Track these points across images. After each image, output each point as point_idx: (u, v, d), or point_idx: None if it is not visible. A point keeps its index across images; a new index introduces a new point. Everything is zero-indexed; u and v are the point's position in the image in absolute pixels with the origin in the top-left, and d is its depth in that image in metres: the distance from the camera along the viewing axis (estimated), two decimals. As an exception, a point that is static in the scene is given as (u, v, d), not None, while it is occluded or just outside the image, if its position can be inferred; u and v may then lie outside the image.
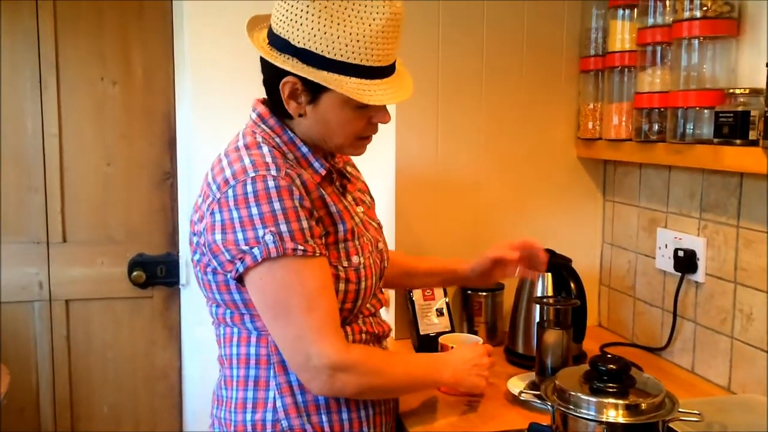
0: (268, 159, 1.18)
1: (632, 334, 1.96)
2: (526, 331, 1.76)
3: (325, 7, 1.13)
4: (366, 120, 1.24)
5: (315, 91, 1.19)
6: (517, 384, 1.55)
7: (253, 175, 1.15)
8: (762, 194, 1.48)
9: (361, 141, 1.28)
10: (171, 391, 2.09)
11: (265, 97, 1.31)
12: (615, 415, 1.17)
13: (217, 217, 1.17)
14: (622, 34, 1.80)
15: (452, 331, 1.85)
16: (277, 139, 1.26)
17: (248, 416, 1.24)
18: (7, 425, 1.98)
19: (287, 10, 1.17)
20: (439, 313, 1.87)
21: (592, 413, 1.18)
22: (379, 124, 1.28)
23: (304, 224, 1.16)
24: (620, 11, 1.80)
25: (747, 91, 1.41)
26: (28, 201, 1.96)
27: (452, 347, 1.54)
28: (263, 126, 1.27)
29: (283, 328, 1.17)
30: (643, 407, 1.18)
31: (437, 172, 1.95)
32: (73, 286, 2.01)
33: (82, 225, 2.01)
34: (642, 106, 1.69)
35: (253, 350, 1.25)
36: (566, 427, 1.21)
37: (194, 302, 1.98)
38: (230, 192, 1.15)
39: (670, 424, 1.20)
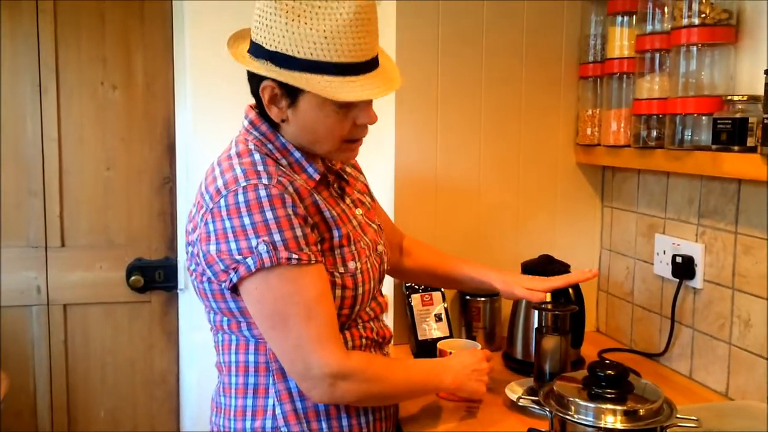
0: (260, 167, 1.18)
1: (630, 339, 1.96)
2: (524, 336, 1.76)
3: (293, 7, 1.13)
4: (350, 122, 1.22)
5: (292, 94, 1.18)
6: (515, 389, 1.55)
7: (245, 184, 1.15)
8: (760, 201, 1.49)
9: (349, 144, 1.26)
10: (169, 395, 2.09)
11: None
12: (613, 420, 1.18)
13: (211, 227, 1.16)
14: (621, 41, 1.81)
15: (451, 336, 1.85)
16: (270, 146, 1.25)
17: (248, 424, 1.24)
18: (5, 429, 1.98)
19: (259, 15, 1.18)
20: (438, 318, 1.87)
21: (591, 419, 1.19)
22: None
23: (298, 232, 1.16)
24: (619, 18, 1.81)
25: (745, 98, 1.42)
26: (27, 205, 1.96)
27: (451, 353, 1.54)
28: (255, 132, 1.26)
29: (281, 338, 1.17)
30: (642, 413, 1.18)
31: (436, 178, 1.95)
32: (72, 291, 2.01)
33: (80, 229, 2.01)
34: (641, 112, 1.69)
35: (251, 358, 1.25)
36: (564, 433, 1.21)
37: (193, 307, 1.98)
38: (222, 202, 1.15)
39: (668, 430, 1.20)
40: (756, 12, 1.48)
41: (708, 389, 1.64)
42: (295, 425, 1.22)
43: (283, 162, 1.25)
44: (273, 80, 1.17)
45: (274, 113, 1.22)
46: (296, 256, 1.14)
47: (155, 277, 2.04)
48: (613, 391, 1.21)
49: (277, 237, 1.13)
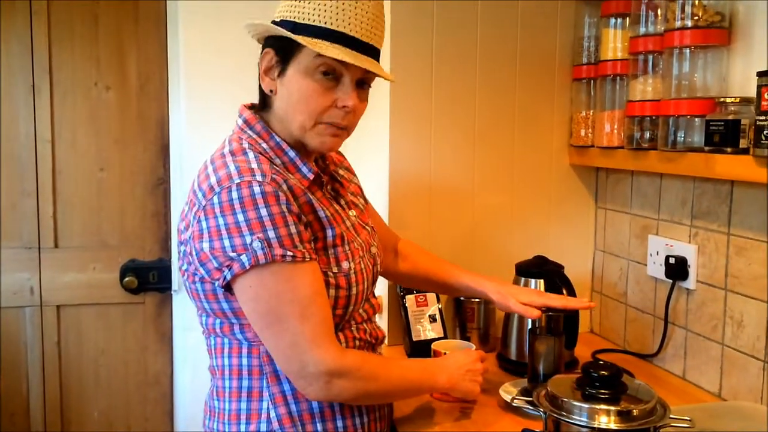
0: (254, 165, 1.18)
1: (624, 340, 1.97)
2: (518, 337, 1.77)
3: None
4: (330, 99, 1.22)
5: (285, 61, 1.22)
6: (509, 390, 1.55)
7: (239, 181, 1.14)
8: (753, 202, 1.49)
9: (327, 127, 1.24)
10: (163, 397, 2.08)
11: (252, 102, 1.32)
12: (607, 421, 1.18)
13: (204, 224, 1.16)
14: (615, 43, 1.81)
15: (445, 337, 1.85)
16: (264, 145, 1.25)
17: (242, 428, 1.23)
18: (-3, 431, 1.97)
19: None
20: (432, 319, 1.87)
21: (584, 419, 1.19)
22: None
23: (292, 229, 1.15)
24: (612, 20, 1.81)
25: (738, 100, 1.43)
26: (21, 206, 1.96)
27: (445, 353, 1.54)
28: (249, 132, 1.27)
29: (276, 337, 1.16)
30: (635, 413, 1.19)
31: (431, 180, 1.95)
32: (65, 292, 2.00)
33: (74, 230, 2.00)
34: (634, 114, 1.70)
35: (245, 361, 1.24)
36: (558, 434, 1.21)
37: (186, 308, 1.98)
38: (216, 199, 1.15)
39: (662, 431, 1.20)
40: (748, 14, 1.49)
41: (701, 390, 1.65)
42: (290, 428, 1.22)
43: (277, 161, 1.25)
44: (271, 47, 1.23)
45: (266, 83, 1.26)
46: (291, 253, 1.14)
47: (149, 279, 2.03)
48: (606, 391, 1.21)
49: (271, 234, 1.13)
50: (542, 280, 1.76)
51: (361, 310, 1.33)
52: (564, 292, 1.73)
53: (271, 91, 1.25)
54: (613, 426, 1.18)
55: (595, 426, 1.18)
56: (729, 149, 1.41)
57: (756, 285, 1.49)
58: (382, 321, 1.95)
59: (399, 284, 1.82)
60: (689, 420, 1.21)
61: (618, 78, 1.81)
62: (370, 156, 1.93)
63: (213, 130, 1.90)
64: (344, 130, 1.26)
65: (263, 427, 1.22)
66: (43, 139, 1.95)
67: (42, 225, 1.97)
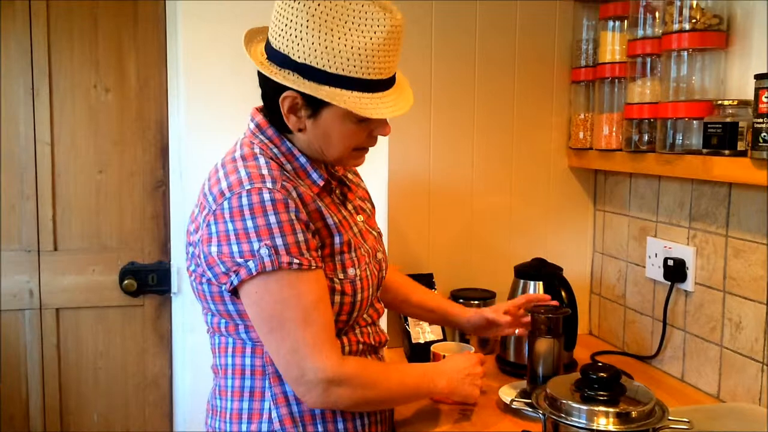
0: (264, 171, 1.18)
1: (623, 342, 1.97)
2: (517, 339, 1.77)
3: (325, 21, 1.12)
4: (366, 133, 1.23)
5: (316, 105, 1.18)
6: (508, 392, 1.55)
7: (249, 187, 1.15)
8: (750, 204, 1.50)
9: (359, 152, 1.28)
10: (162, 399, 2.08)
11: (263, 105, 1.32)
12: (605, 422, 1.18)
13: (213, 228, 1.16)
14: (613, 46, 1.82)
15: (444, 339, 1.85)
16: (275, 150, 1.25)
17: (244, 427, 1.24)
18: (-4, 434, 1.97)
19: (286, 25, 1.15)
20: (431, 321, 1.87)
21: (583, 421, 1.19)
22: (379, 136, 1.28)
23: (300, 237, 1.16)
24: (611, 23, 1.82)
25: (735, 103, 1.43)
26: (20, 209, 1.95)
27: (444, 356, 1.55)
28: (261, 136, 1.26)
29: (278, 342, 1.17)
30: (634, 415, 1.19)
31: (430, 182, 1.96)
32: (64, 295, 2.00)
33: (73, 233, 2.00)
34: (632, 116, 1.71)
35: (248, 361, 1.25)
36: (558, 435, 1.22)
37: (186, 310, 1.98)
38: (226, 204, 1.15)
39: (661, 432, 1.20)
40: (746, 17, 1.50)
41: (700, 391, 1.65)
42: (291, 429, 1.22)
43: (288, 167, 1.24)
44: (297, 91, 1.17)
45: (292, 122, 1.21)
46: (297, 261, 1.15)
47: (148, 281, 2.03)
48: (605, 393, 1.22)
49: (279, 241, 1.13)
50: (541, 282, 1.77)
51: (365, 315, 1.33)
52: (563, 293, 1.74)
53: (299, 129, 1.23)
54: (611, 428, 1.18)
55: (594, 428, 1.18)
56: (727, 151, 1.42)
57: (754, 287, 1.49)
58: (381, 324, 1.95)
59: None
60: (688, 421, 1.22)
61: (616, 81, 1.82)
62: (369, 158, 1.93)
63: (213, 132, 1.90)
64: None
65: (264, 427, 1.23)
66: (42, 141, 1.95)
67: (41, 228, 1.97)
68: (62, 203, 1.98)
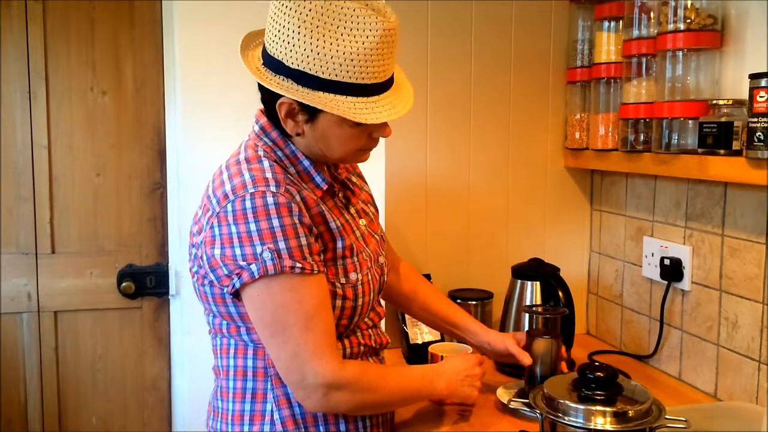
0: (268, 174, 1.18)
1: (620, 341, 1.98)
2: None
3: (317, 26, 1.11)
4: (366, 135, 1.23)
5: (312, 110, 1.18)
6: (506, 392, 1.56)
7: (253, 191, 1.15)
8: (746, 203, 1.50)
9: (362, 153, 1.28)
10: (160, 402, 2.08)
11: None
12: (603, 422, 1.19)
13: (216, 231, 1.16)
14: (608, 46, 1.82)
15: (442, 340, 1.85)
16: (280, 152, 1.25)
17: (246, 428, 1.24)
18: (-5, 437, 1.97)
19: (279, 30, 1.15)
20: (429, 322, 1.87)
21: (580, 421, 1.20)
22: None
23: (303, 241, 1.16)
24: (606, 23, 1.83)
25: (730, 102, 1.44)
26: (17, 212, 1.96)
27: (442, 356, 1.55)
28: (265, 139, 1.26)
29: (279, 346, 1.17)
30: (631, 414, 1.19)
31: (427, 183, 1.96)
32: (62, 298, 2.00)
33: (71, 236, 2.00)
34: (628, 116, 1.71)
35: (250, 362, 1.25)
36: (555, 435, 1.22)
37: (184, 313, 1.98)
38: (229, 207, 1.15)
39: (657, 431, 1.21)
40: (740, 17, 1.50)
41: (697, 390, 1.66)
42: (293, 430, 1.23)
43: (292, 170, 1.24)
44: (293, 98, 1.16)
45: (290, 127, 1.21)
46: (300, 265, 1.15)
47: (146, 283, 2.03)
48: (602, 392, 1.22)
49: (282, 245, 1.14)
50: (538, 282, 1.77)
51: (366, 318, 1.34)
52: (560, 293, 1.74)
53: (298, 134, 1.22)
54: (608, 427, 1.18)
55: (591, 427, 1.19)
56: (722, 151, 1.42)
57: (750, 286, 1.50)
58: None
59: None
60: (684, 420, 1.22)
61: (612, 81, 1.83)
62: (366, 161, 1.93)
63: (210, 134, 1.91)
64: None
65: (267, 428, 1.23)
66: (39, 144, 1.95)
67: (39, 230, 1.97)
68: (60, 206, 1.98)
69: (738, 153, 1.40)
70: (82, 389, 2.04)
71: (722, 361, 1.59)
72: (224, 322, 1.26)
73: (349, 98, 1.14)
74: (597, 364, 1.30)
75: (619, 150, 1.78)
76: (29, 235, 1.97)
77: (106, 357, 2.05)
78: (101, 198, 2.01)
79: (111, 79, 1.99)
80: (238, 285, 1.16)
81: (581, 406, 1.21)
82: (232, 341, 1.27)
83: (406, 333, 1.85)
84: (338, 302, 1.23)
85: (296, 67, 1.14)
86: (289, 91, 1.15)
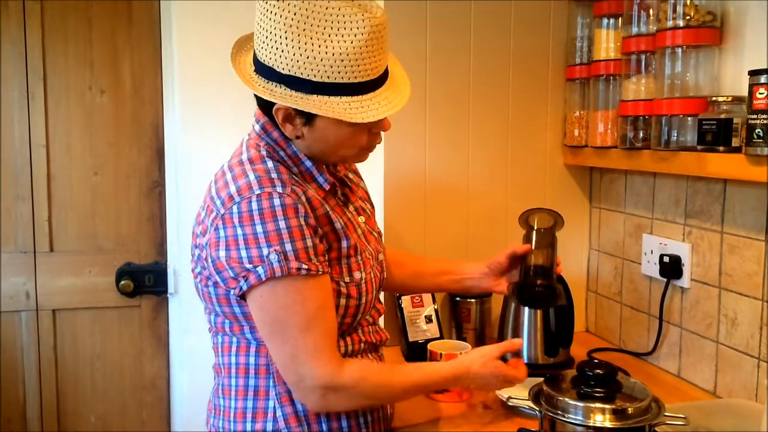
0: (274, 175, 1.17)
1: (619, 339, 1.98)
2: (514, 337, 1.77)
3: (303, 30, 1.10)
4: (366, 132, 1.22)
5: (309, 114, 1.17)
6: (506, 390, 1.55)
7: (259, 192, 1.14)
8: (745, 200, 1.50)
9: (365, 151, 1.27)
10: (159, 401, 2.08)
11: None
12: (602, 419, 1.19)
13: (221, 233, 1.16)
14: (607, 43, 1.82)
15: (441, 338, 1.85)
16: (282, 153, 1.24)
17: (248, 426, 1.24)
18: (-6, 437, 1.97)
19: (267, 36, 1.13)
20: (428, 320, 1.88)
21: (580, 418, 1.20)
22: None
23: (309, 242, 1.16)
24: (605, 20, 1.82)
25: (729, 99, 1.43)
26: (16, 210, 1.95)
27: (441, 354, 1.55)
28: (267, 139, 1.25)
29: (279, 346, 1.18)
30: (630, 411, 1.19)
31: (426, 180, 1.96)
32: (61, 296, 2.00)
33: (69, 234, 1.99)
34: (627, 113, 1.71)
35: (252, 360, 1.25)
36: (554, 432, 1.22)
37: (183, 311, 1.97)
38: (235, 208, 1.14)
39: (657, 428, 1.21)
40: (739, 13, 1.50)
41: (696, 387, 1.65)
42: (296, 427, 1.23)
43: (295, 170, 1.24)
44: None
45: (288, 131, 1.20)
46: (306, 267, 1.14)
47: (145, 282, 2.03)
48: (601, 390, 1.22)
49: (288, 247, 1.13)
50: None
51: (368, 316, 1.34)
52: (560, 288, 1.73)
53: (297, 137, 1.21)
54: (608, 424, 1.18)
55: (591, 424, 1.19)
56: (721, 148, 1.42)
57: (749, 283, 1.50)
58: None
59: (390, 290, 1.74)
60: (684, 418, 1.22)
61: (611, 78, 1.82)
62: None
63: (208, 133, 1.90)
64: None
65: (269, 425, 1.23)
66: (37, 143, 1.95)
67: (37, 229, 1.97)
68: (58, 205, 1.98)
69: (737, 150, 1.40)
70: (81, 388, 2.04)
71: (721, 359, 1.59)
72: (227, 322, 1.26)
73: (344, 98, 1.14)
74: (596, 361, 1.30)
75: (618, 147, 1.77)
76: (27, 233, 1.97)
77: (104, 356, 2.05)
78: (99, 197, 2.00)
79: (109, 79, 1.99)
80: (245, 288, 1.15)
81: (580, 404, 1.21)
82: (234, 339, 1.26)
83: (405, 330, 1.85)
84: (342, 301, 1.23)
85: (287, 73, 1.13)
86: (283, 98, 1.14)
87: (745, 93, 1.36)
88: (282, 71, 1.14)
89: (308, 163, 1.25)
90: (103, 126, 1.99)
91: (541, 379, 1.34)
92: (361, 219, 1.36)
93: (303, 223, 1.15)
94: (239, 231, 1.14)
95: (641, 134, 1.69)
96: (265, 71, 1.16)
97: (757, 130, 1.31)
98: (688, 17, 1.52)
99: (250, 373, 1.25)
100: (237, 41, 1.26)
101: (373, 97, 1.16)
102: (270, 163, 1.20)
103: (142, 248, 2.04)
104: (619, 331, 1.98)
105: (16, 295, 1.97)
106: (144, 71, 2.00)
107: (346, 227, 1.26)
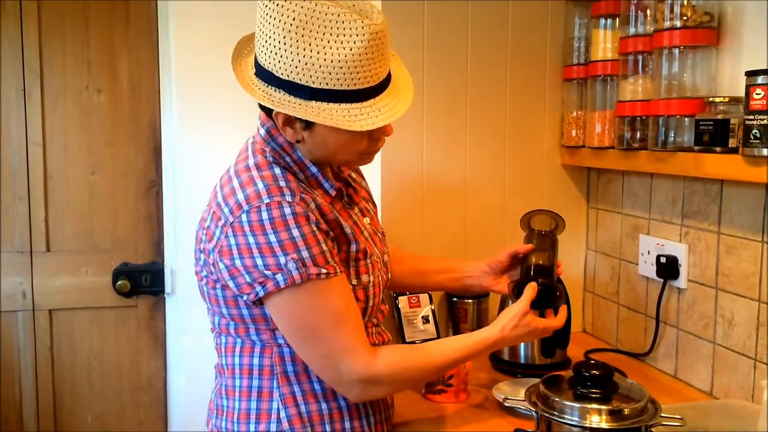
0: (282, 183, 1.16)
1: (616, 339, 1.98)
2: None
3: (302, 36, 1.09)
4: (367, 138, 1.21)
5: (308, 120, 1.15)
6: (502, 390, 1.55)
7: (268, 201, 1.13)
8: (742, 201, 1.50)
9: (367, 155, 1.26)
10: (156, 401, 2.08)
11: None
12: (598, 420, 1.19)
13: (232, 240, 1.14)
14: (605, 43, 1.82)
15: (438, 338, 1.85)
16: (288, 158, 1.23)
17: (252, 427, 1.23)
18: (-10, 436, 1.97)
19: (266, 41, 1.12)
20: (425, 320, 1.88)
21: (576, 418, 1.20)
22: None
23: (324, 247, 1.15)
24: (602, 21, 1.82)
25: (726, 100, 1.44)
26: (12, 210, 1.95)
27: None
28: (273, 144, 1.23)
29: (312, 349, 1.18)
30: (626, 412, 1.19)
31: (423, 181, 1.96)
32: (57, 296, 2.00)
33: (66, 234, 1.99)
34: (624, 114, 1.71)
35: (256, 360, 1.24)
36: (550, 433, 1.22)
37: (180, 311, 1.97)
38: (244, 217, 1.13)
39: (653, 429, 1.21)
40: (737, 14, 1.50)
41: (693, 388, 1.66)
42: (300, 428, 1.22)
43: (301, 176, 1.23)
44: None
45: (288, 134, 1.19)
46: (325, 271, 1.15)
47: (142, 282, 2.03)
48: (598, 390, 1.22)
49: (305, 254, 1.13)
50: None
51: (373, 318, 1.34)
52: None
53: (298, 141, 1.20)
54: (604, 425, 1.18)
55: (587, 425, 1.19)
56: (718, 149, 1.42)
57: (746, 283, 1.50)
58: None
59: (390, 288, 1.76)
60: (680, 418, 1.22)
61: (608, 78, 1.82)
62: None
63: (205, 132, 1.90)
64: None
65: (273, 427, 1.23)
66: (34, 142, 1.95)
67: (34, 229, 1.97)
68: (54, 204, 1.98)
69: (734, 150, 1.40)
70: (78, 388, 2.04)
71: (718, 359, 1.59)
72: (232, 324, 1.25)
73: (343, 105, 1.12)
74: (593, 362, 1.30)
75: (615, 148, 1.77)
76: (24, 233, 1.97)
77: (101, 355, 2.04)
78: (96, 196, 2.00)
79: (106, 78, 1.99)
80: (261, 294, 1.15)
81: (577, 404, 1.21)
82: (239, 340, 1.26)
83: (402, 331, 1.85)
84: None
85: (287, 78, 1.12)
86: (282, 105, 1.13)
87: (742, 94, 1.36)
88: (281, 76, 1.13)
89: (314, 169, 1.24)
90: (100, 125, 1.99)
91: (538, 379, 1.33)
92: (366, 220, 1.35)
93: (315, 229, 1.15)
94: (251, 239, 1.13)
95: (638, 135, 1.69)
96: (265, 75, 1.15)
97: (753, 131, 1.31)
98: (685, 18, 1.52)
99: (254, 374, 1.25)
100: (239, 42, 1.25)
101: (374, 104, 1.15)
102: (277, 170, 1.19)
103: (139, 248, 2.04)
104: (616, 331, 1.98)
105: (12, 295, 1.97)
106: (141, 70, 2.00)
107: (354, 231, 1.26)
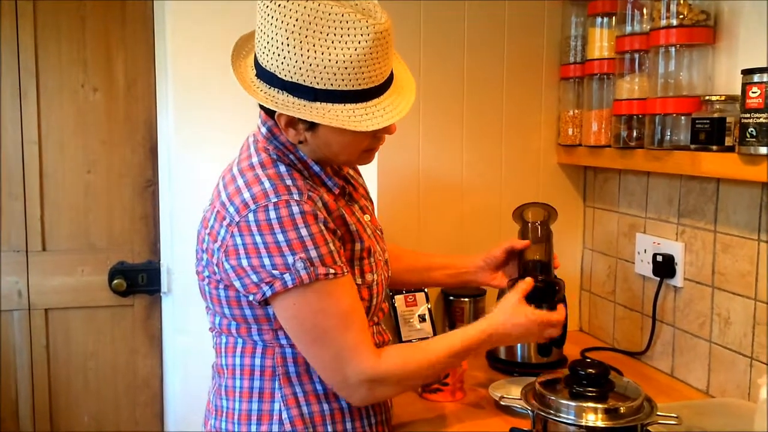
0: (288, 182, 1.15)
1: (613, 338, 1.98)
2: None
3: (305, 36, 1.07)
4: (370, 136, 1.20)
5: (311, 122, 1.14)
6: (498, 389, 1.55)
7: (276, 200, 1.12)
8: (738, 199, 1.50)
9: (369, 153, 1.26)
10: (153, 400, 2.07)
11: None
12: (594, 418, 1.19)
13: (239, 240, 1.14)
14: (601, 42, 1.82)
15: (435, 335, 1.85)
16: (291, 156, 1.22)
17: (253, 428, 1.23)
18: (-14, 436, 1.96)
19: (268, 42, 1.11)
20: (422, 319, 1.87)
21: (572, 417, 1.20)
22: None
23: (332, 247, 1.15)
24: (599, 19, 1.82)
25: (723, 98, 1.44)
26: (7, 209, 1.94)
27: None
28: (275, 143, 1.22)
29: (320, 350, 1.17)
30: (622, 411, 1.19)
31: (420, 179, 1.96)
32: (53, 295, 1.99)
33: (62, 233, 1.99)
34: (620, 113, 1.71)
35: (258, 361, 1.24)
36: (546, 432, 1.22)
37: (176, 310, 1.97)
38: (251, 216, 1.12)
39: (649, 428, 1.21)
40: (733, 13, 1.50)
41: (689, 387, 1.66)
42: (302, 429, 1.22)
43: (305, 173, 1.22)
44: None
45: (291, 135, 1.18)
46: (333, 271, 1.14)
47: (138, 281, 2.02)
48: (594, 389, 1.22)
49: (313, 253, 1.12)
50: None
51: (374, 317, 1.33)
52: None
53: (300, 141, 1.19)
54: (600, 424, 1.18)
55: (583, 424, 1.18)
56: (715, 147, 1.42)
57: (742, 282, 1.50)
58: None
59: (389, 286, 1.76)
60: (676, 417, 1.22)
61: (605, 77, 1.82)
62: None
63: (201, 131, 1.90)
64: None
65: (275, 428, 1.22)
66: (29, 141, 1.94)
67: (29, 228, 1.96)
68: (50, 203, 1.97)
69: (730, 149, 1.40)
70: (74, 387, 2.03)
71: (714, 358, 1.59)
72: (234, 324, 1.24)
73: (347, 105, 1.11)
74: (589, 360, 1.30)
75: (612, 146, 1.77)
76: (20, 232, 1.96)
77: (97, 355, 2.04)
78: (92, 195, 2.00)
79: (102, 77, 1.98)
80: (268, 293, 1.14)
81: (573, 403, 1.20)
82: (240, 341, 1.25)
83: (399, 330, 1.85)
84: None
85: (289, 80, 1.11)
86: (285, 107, 1.11)
87: (738, 92, 1.36)
88: (284, 78, 1.11)
89: (316, 168, 1.24)
90: (96, 124, 1.98)
91: (534, 378, 1.33)
92: (367, 218, 1.35)
93: (323, 228, 1.14)
94: (258, 239, 1.12)
95: (635, 133, 1.69)
96: (266, 76, 1.14)
97: (750, 129, 1.31)
98: (681, 16, 1.52)
99: (255, 374, 1.24)
100: (237, 42, 1.24)
101: (378, 103, 1.14)
102: (282, 168, 1.18)
103: (135, 247, 2.03)
104: (613, 330, 1.98)
105: (8, 294, 1.97)
106: (137, 69, 1.99)
107: (358, 229, 1.25)
